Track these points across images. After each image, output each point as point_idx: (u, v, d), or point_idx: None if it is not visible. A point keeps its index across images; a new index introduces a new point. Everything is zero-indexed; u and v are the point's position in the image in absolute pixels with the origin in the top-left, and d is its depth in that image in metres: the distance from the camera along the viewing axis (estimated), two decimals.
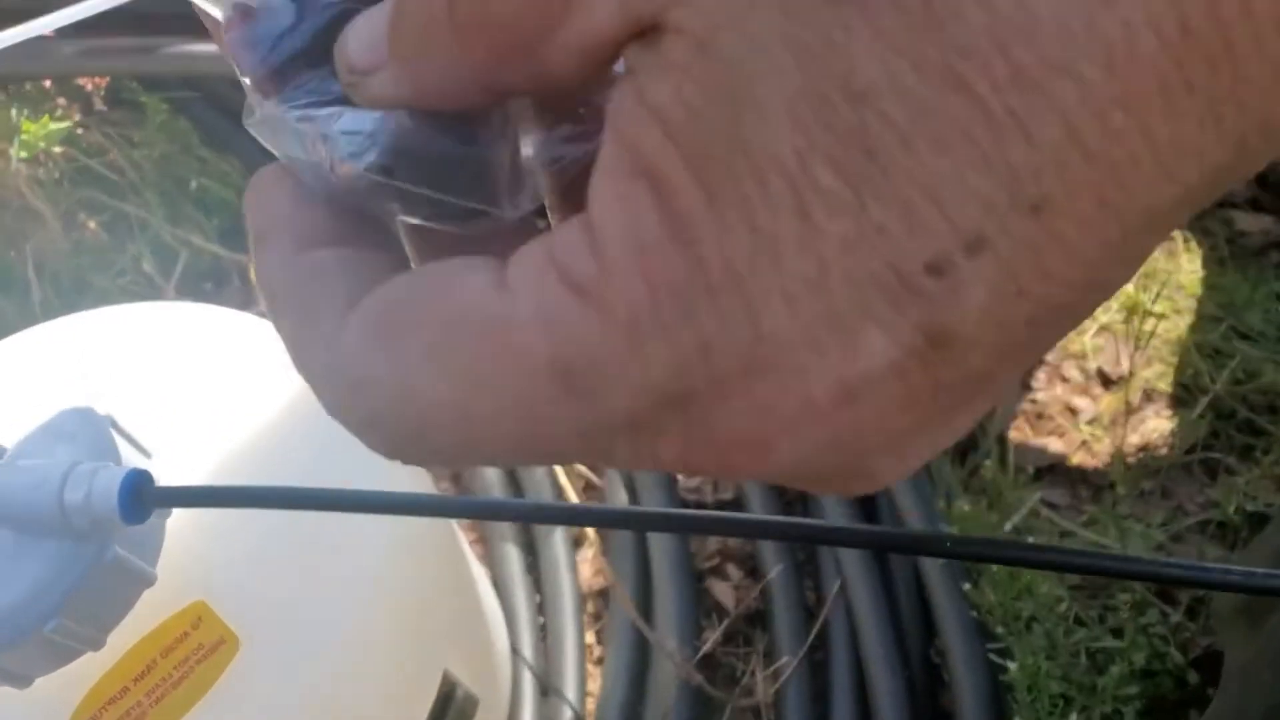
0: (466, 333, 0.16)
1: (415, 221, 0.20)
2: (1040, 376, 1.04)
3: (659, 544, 0.95)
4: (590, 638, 0.97)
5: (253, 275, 0.20)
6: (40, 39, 1.02)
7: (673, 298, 0.15)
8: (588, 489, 1.04)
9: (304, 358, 0.19)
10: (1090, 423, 1.01)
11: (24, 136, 1.05)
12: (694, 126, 0.14)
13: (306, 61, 0.20)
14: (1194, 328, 1.05)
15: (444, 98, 0.18)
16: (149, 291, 1.28)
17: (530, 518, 0.83)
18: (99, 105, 1.32)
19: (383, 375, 0.17)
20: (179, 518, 0.44)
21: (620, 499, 1.00)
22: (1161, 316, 1.04)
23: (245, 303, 1.31)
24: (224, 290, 1.32)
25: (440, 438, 0.17)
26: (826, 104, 0.14)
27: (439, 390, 0.17)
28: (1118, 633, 0.87)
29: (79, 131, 1.27)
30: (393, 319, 0.17)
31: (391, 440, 0.18)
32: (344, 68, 0.19)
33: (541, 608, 0.97)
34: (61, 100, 1.30)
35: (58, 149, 1.14)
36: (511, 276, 0.16)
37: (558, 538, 0.97)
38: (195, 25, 1.19)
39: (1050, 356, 1.04)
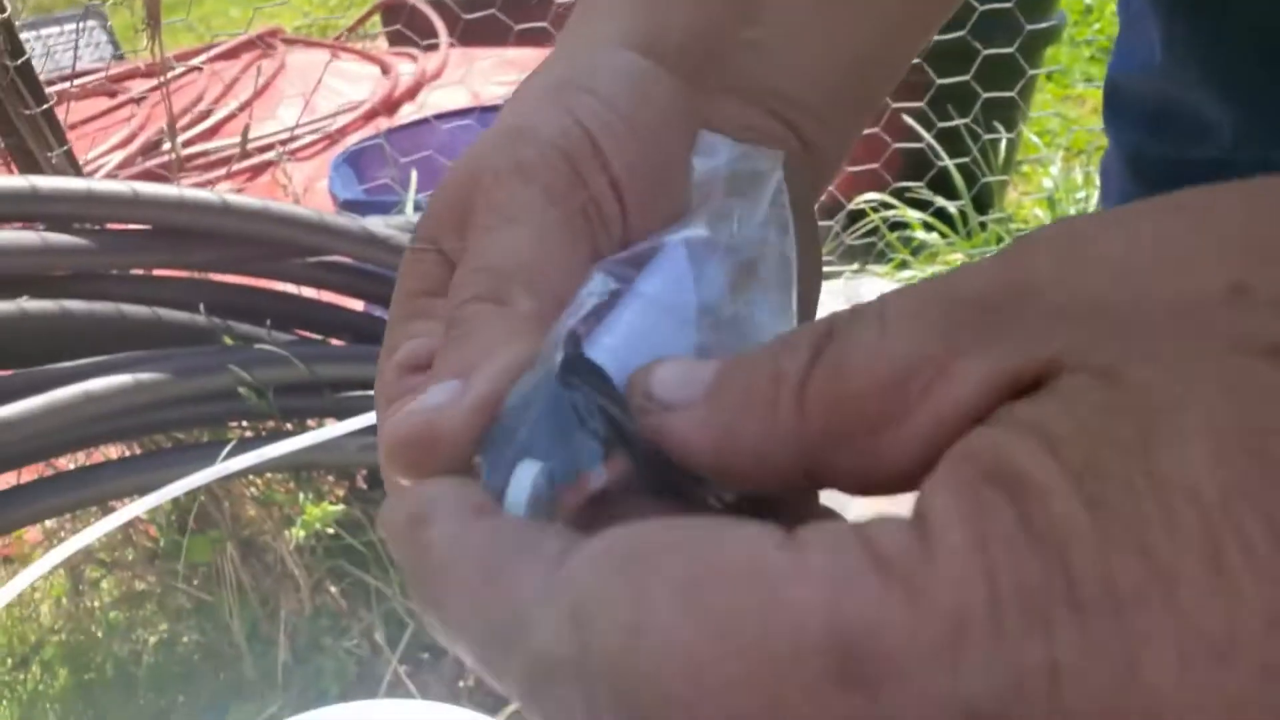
0: (731, 577, 0.13)
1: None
2: None
3: None
4: None
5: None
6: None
7: (1022, 602, 0.12)
8: None
9: (481, 608, 0.16)
10: None
11: (305, 518, 1.19)
12: (1082, 439, 0.13)
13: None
14: None
15: (744, 460, 0.16)
16: (374, 658, 1.38)
17: None
18: (360, 483, 1.50)
19: (616, 599, 0.14)
20: None
21: None
22: None
23: (455, 676, 1.38)
24: (440, 662, 1.39)
25: (657, 691, 0.13)
26: (1264, 448, 0.12)
27: (680, 631, 0.13)
28: None
29: (341, 507, 1.43)
30: (639, 552, 0.14)
31: (596, 686, 0.14)
32: (640, 392, 0.18)
33: None
34: (330, 478, 1.49)
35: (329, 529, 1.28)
36: (802, 534, 0.14)
37: None
38: None
39: None
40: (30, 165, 1.14)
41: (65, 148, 1.14)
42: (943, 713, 0.12)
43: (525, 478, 0.18)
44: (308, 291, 1.37)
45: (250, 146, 2.36)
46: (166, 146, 2.39)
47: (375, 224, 1.23)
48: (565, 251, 0.22)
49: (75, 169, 1.16)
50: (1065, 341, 0.14)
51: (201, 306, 1.18)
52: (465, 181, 0.24)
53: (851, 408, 0.15)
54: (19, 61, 1.07)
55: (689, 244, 0.20)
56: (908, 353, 0.15)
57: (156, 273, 1.25)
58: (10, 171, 1.18)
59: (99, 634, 1.46)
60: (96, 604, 1.47)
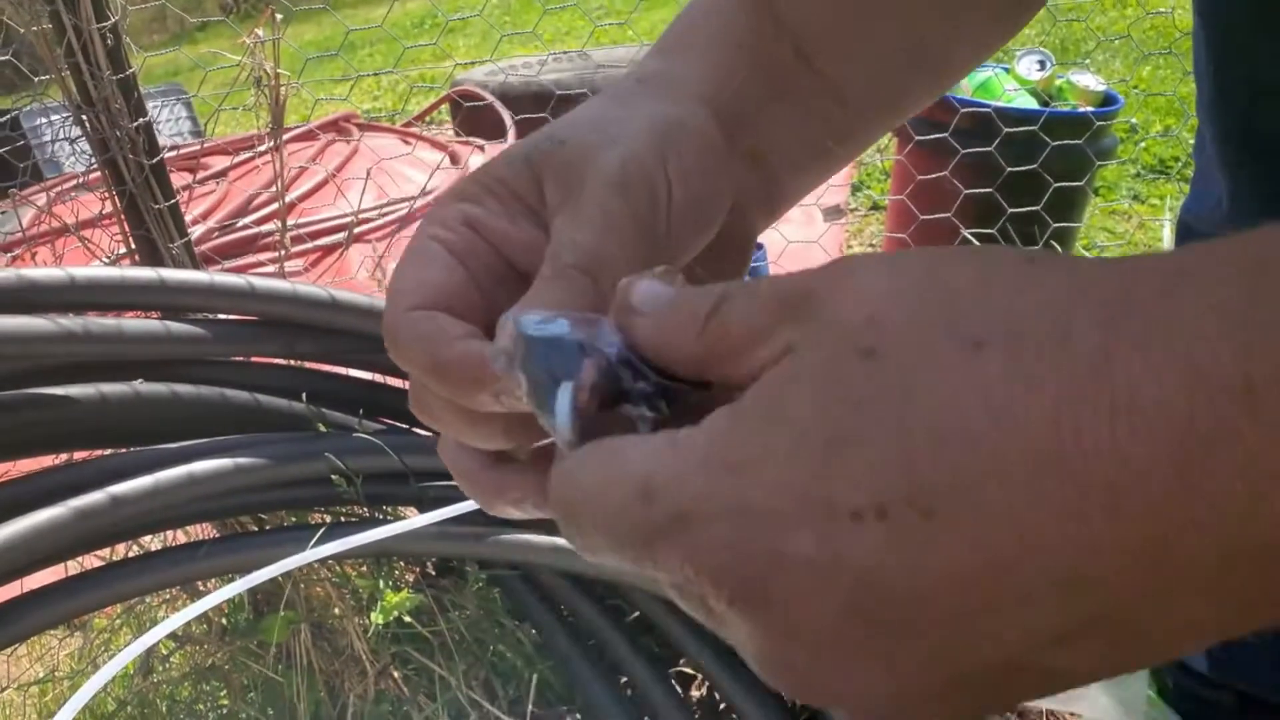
0: (605, 452, 0.27)
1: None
2: None
3: None
4: None
5: None
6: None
7: (720, 456, 0.24)
8: None
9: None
10: None
11: (384, 604, 1.22)
12: (767, 389, 0.25)
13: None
14: None
15: (668, 355, 0.28)
16: None
17: None
18: (429, 570, 1.52)
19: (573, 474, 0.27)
20: None
21: None
22: None
23: None
24: None
25: (577, 512, 0.27)
26: (845, 396, 0.23)
27: (587, 477, 0.27)
28: None
29: (416, 595, 1.45)
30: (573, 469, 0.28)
31: (568, 518, 0.27)
32: (622, 296, 0.29)
33: None
34: (401, 564, 1.52)
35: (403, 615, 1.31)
36: (645, 438, 0.27)
37: None
38: (531, 520, 1.39)
39: None
40: (152, 254, 1.20)
41: (186, 239, 1.20)
42: (685, 508, 0.24)
43: (565, 398, 0.28)
44: (393, 380, 1.41)
45: (322, 227, 2.44)
46: (241, 224, 2.48)
47: None
48: (632, 257, 0.33)
49: (193, 260, 1.21)
50: (798, 336, 0.25)
51: (304, 396, 1.22)
52: (581, 156, 0.34)
53: (724, 343, 0.27)
54: (154, 160, 1.13)
55: None
56: (758, 318, 0.26)
57: (256, 360, 1.30)
58: (131, 256, 1.23)
59: (163, 707, 1.47)
60: (163, 679, 1.49)
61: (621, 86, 0.38)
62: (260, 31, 1.16)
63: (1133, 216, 2.96)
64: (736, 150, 0.38)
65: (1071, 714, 1.54)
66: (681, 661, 1.49)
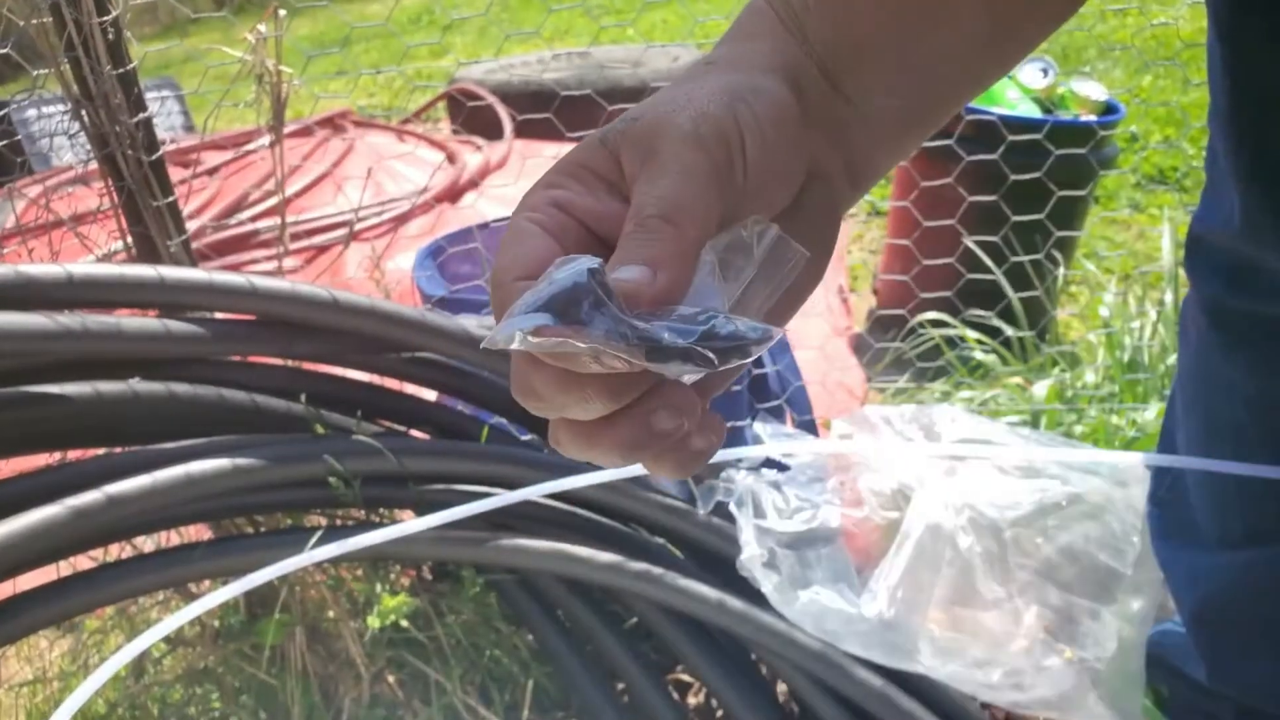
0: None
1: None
2: None
3: None
4: None
5: None
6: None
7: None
8: None
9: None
10: None
11: (381, 607, 1.20)
12: None
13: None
14: None
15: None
16: None
17: None
18: (425, 574, 1.51)
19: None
20: None
21: None
22: None
23: None
24: None
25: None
26: None
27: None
28: None
29: (412, 599, 1.44)
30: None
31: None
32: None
33: None
34: (396, 567, 1.50)
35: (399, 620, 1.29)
36: None
37: None
38: (529, 525, 1.39)
39: None
40: (149, 251, 1.18)
41: (184, 237, 1.19)
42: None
43: (526, 321, 0.28)
44: (391, 383, 1.40)
45: (317, 225, 2.42)
46: (235, 220, 2.46)
47: (471, 324, 1.26)
48: (712, 204, 0.34)
49: (191, 258, 1.20)
50: None
51: (303, 397, 1.21)
52: (654, 125, 0.36)
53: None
54: (154, 157, 1.12)
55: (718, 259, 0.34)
56: None
57: (253, 359, 1.28)
58: (128, 252, 1.22)
59: (154, 710, 1.45)
60: (155, 681, 1.47)
61: (692, 70, 0.40)
62: (263, 27, 1.14)
63: (1132, 226, 2.96)
64: (812, 121, 0.40)
65: None
66: (679, 668, 1.48)
